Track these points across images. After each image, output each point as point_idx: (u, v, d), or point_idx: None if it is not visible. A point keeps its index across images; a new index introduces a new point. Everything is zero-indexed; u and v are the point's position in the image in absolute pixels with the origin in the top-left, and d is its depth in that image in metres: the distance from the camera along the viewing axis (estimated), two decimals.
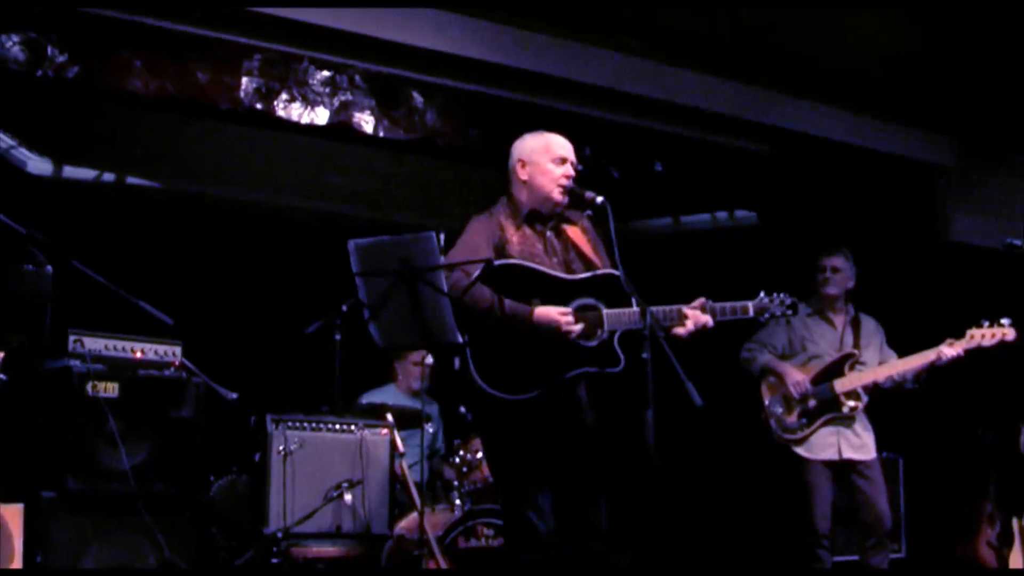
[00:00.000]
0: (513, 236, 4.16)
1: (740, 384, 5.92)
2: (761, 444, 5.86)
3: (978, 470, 6.54)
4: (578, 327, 3.95)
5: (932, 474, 7.15)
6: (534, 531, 3.97)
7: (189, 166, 7.05)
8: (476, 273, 3.91)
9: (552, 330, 3.92)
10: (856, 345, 5.80)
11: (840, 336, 5.83)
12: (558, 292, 4.04)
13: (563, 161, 4.18)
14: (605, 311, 4.03)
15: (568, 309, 3.97)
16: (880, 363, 5.76)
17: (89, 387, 4.85)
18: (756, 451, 6.09)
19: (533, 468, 4.01)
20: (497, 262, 3.99)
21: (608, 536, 4.09)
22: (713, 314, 4.09)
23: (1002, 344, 5.39)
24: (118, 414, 4.87)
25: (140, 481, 4.85)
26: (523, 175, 4.21)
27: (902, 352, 5.73)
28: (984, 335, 5.41)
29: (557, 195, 4.16)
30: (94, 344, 5.00)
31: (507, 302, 3.95)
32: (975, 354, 5.47)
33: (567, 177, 4.16)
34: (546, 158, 4.19)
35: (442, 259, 3.90)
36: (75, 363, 4.89)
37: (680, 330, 4.01)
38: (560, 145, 4.23)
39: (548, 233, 4.22)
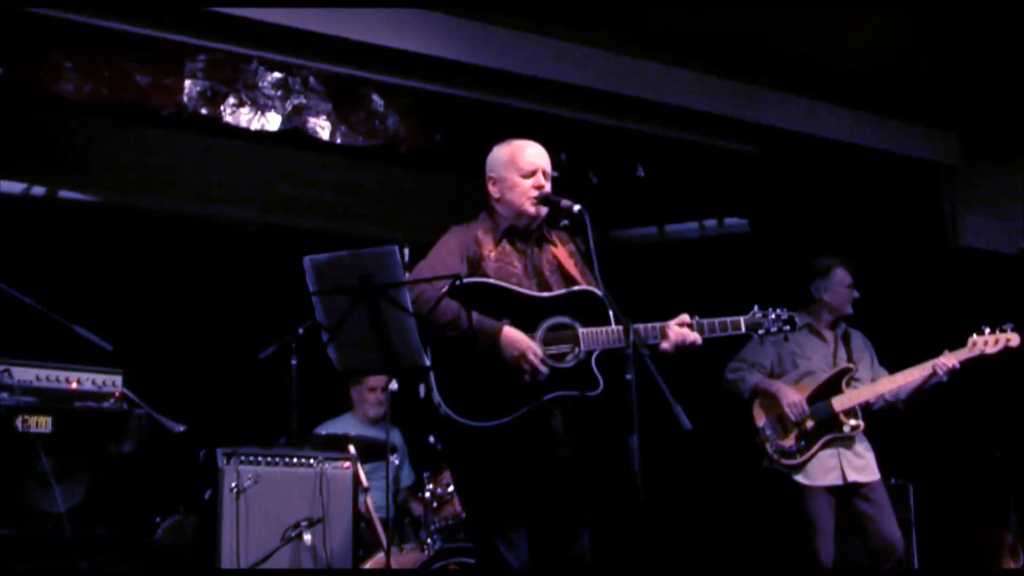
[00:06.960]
0: (491, 252, 4.19)
1: (732, 406, 5.90)
2: (755, 470, 5.82)
3: (996, 496, 6.53)
4: (544, 370, 3.96)
5: (945, 501, 7.15)
6: (505, 566, 3.96)
7: (127, 177, 7.06)
8: (444, 288, 3.94)
9: (515, 358, 3.93)
10: (849, 360, 5.79)
11: (833, 351, 5.84)
12: (530, 311, 4.06)
13: (532, 173, 4.19)
14: (581, 329, 4.05)
15: (538, 351, 3.96)
16: (872, 379, 5.74)
17: (19, 422, 4.82)
18: (749, 478, 6.05)
19: (505, 500, 4.01)
20: (466, 280, 4.01)
21: (591, 571, 4.09)
22: (701, 330, 4.13)
23: (1007, 351, 5.41)
24: (52, 451, 4.81)
25: (77, 524, 4.81)
26: (495, 192, 4.26)
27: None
28: (987, 342, 5.49)
29: (530, 208, 4.18)
30: (24, 375, 4.94)
31: (475, 316, 3.95)
32: (981, 364, 5.47)
33: (538, 188, 4.18)
34: (514, 172, 4.22)
35: (406, 275, 3.93)
36: (3, 396, 4.84)
37: (664, 344, 4.07)
38: (528, 155, 4.24)
39: (530, 251, 4.24)
